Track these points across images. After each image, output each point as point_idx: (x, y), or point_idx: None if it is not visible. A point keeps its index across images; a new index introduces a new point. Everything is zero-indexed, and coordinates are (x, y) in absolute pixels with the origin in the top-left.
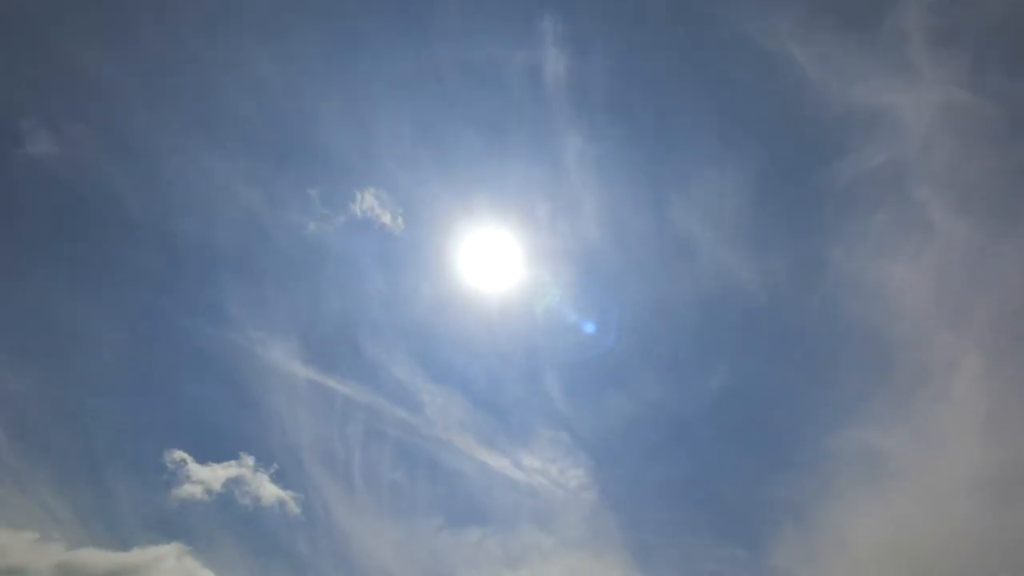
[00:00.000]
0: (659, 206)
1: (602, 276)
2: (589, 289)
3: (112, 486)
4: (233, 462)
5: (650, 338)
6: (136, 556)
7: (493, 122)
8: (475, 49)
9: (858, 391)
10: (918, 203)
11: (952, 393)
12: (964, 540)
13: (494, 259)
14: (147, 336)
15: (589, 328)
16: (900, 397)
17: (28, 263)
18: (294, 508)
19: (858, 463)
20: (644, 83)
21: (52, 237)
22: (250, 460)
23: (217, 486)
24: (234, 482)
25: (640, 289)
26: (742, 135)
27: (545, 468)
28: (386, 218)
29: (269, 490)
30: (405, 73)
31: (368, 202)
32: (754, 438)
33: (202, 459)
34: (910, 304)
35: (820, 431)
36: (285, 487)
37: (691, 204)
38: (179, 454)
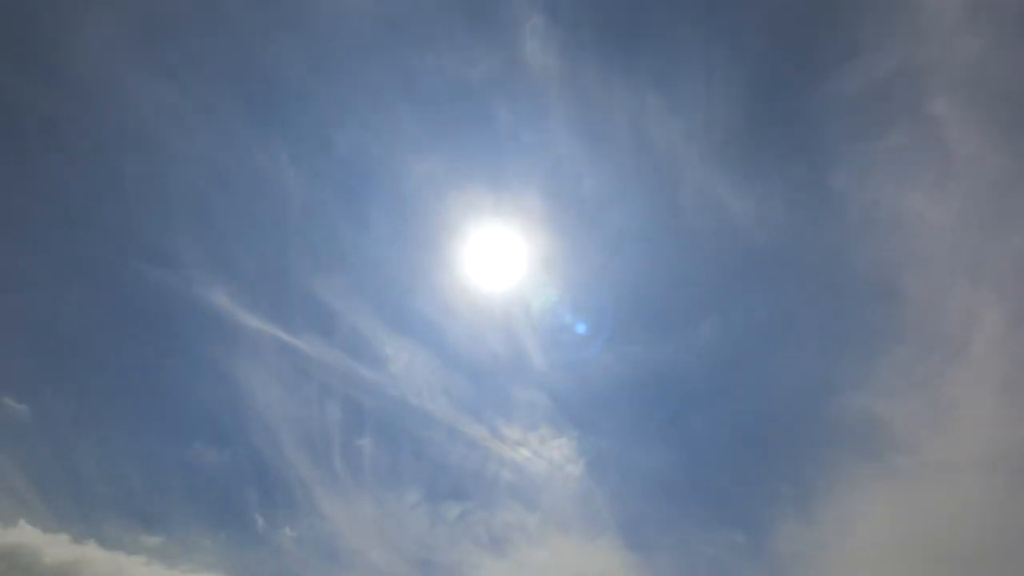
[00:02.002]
0: (635, 122)
1: (572, 207)
2: (561, 228)
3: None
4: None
5: (631, 288)
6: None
7: None
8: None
9: (864, 352)
10: (935, 120)
11: (967, 356)
12: (977, 521)
13: (463, 203)
14: (86, 279)
15: (563, 275)
16: (910, 359)
17: None
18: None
19: (863, 436)
20: None
21: None
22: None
23: None
24: None
25: (615, 228)
26: (730, 39)
27: (525, 438)
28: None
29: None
30: None
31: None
32: (750, 408)
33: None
34: (924, 247)
35: (822, 399)
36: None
37: (672, 120)
38: None
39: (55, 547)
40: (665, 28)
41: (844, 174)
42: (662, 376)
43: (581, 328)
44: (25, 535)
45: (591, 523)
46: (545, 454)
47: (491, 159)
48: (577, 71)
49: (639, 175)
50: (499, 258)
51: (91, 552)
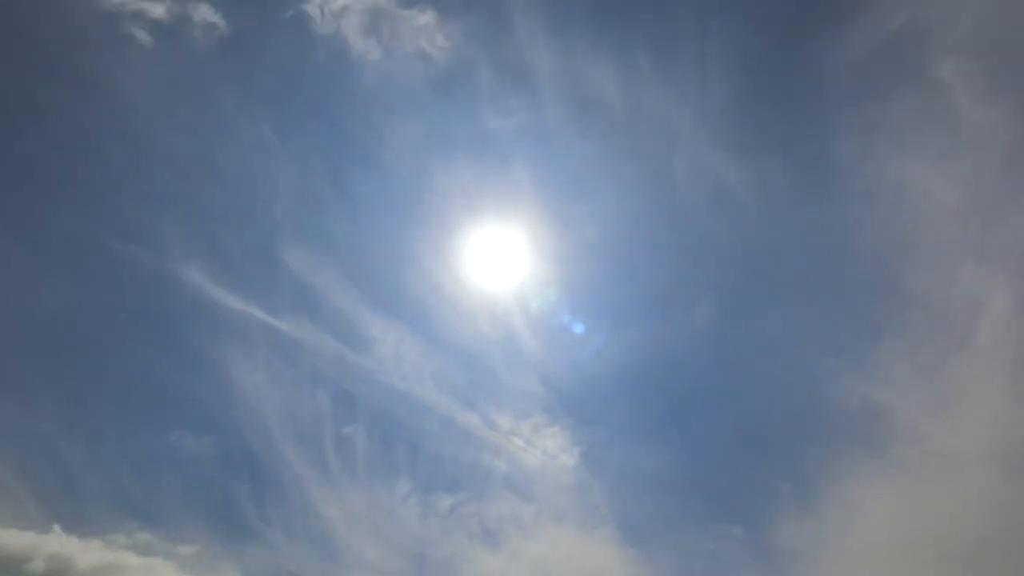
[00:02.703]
0: (625, 87)
1: (561, 182)
2: (551, 206)
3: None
4: None
5: (624, 270)
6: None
7: None
8: None
9: (866, 337)
10: (943, 85)
11: (973, 343)
12: (983, 516)
13: (450, 181)
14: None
15: (555, 257)
16: (913, 346)
17: None
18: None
19: (865, 427)
20: None
21: None
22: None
23: None
24: None
25: (606, 205)
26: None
27: (517, 427)
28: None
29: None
30: None
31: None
32: (748, 397)
33: None
34: (930, 224)
35: (822, 388)
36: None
37: (664, 85)
38: None
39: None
40: None
41: (846, 144)
42: (657, 362)
43: (573, 311)
44: None
45: (587, 516)
46: (538, 443)
47: (475, 129)
48: (563, 30)
49: (630, 146)
50: (487, 238)
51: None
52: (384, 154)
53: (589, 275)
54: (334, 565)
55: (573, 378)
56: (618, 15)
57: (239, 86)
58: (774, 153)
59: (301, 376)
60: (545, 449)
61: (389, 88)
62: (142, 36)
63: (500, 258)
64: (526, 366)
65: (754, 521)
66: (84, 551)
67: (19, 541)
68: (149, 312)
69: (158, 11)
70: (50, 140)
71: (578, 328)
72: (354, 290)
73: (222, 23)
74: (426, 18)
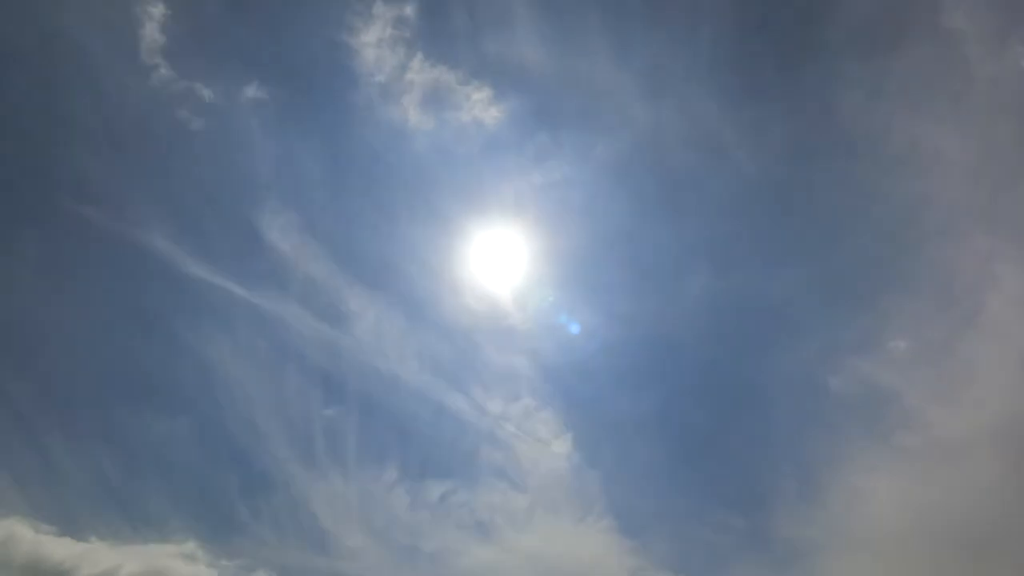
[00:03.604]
0: (612, 32)
1: (546, 142)
2: (537, 169)
3: None
4: None
5: (614, 237)
6: None
7: None
8: None
9: (869, 314)
10: (954, 35)
11: (983, 318)
12: (992, 502)
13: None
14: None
15: (541, 224)
16: (919, 322)
17: None
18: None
19: (869, 410)
20: None
21: None
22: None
23: None
24: None
25: (593, 167)
26: None
27: (507, 410)
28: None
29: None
30: None
31: None
32: (747, 379)
33: None
34: (936, 187)
35: (823, 368)
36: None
37: (655, 36)
38: None
39: None
40: None
41: (850, 99)
42: (651, 341)
43: (562, 285)
44: None
45: (581, 505)
46: (529, 428)
47: (457, 71)
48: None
49: (617, 98)
50: (472, 208)
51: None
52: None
53: (578, 246)
54: (318, 556)
55: (563, 357)
56: None
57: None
58: (773, 107)
59: (276, 353)
60: (537, 435)
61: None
62: None
63: (485, 231)
64: (514, 344)
65: (755, 510)
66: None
67: None
68: (110, 279)
69: None
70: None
71: (567, 303)
72: (330, 260)
73: None
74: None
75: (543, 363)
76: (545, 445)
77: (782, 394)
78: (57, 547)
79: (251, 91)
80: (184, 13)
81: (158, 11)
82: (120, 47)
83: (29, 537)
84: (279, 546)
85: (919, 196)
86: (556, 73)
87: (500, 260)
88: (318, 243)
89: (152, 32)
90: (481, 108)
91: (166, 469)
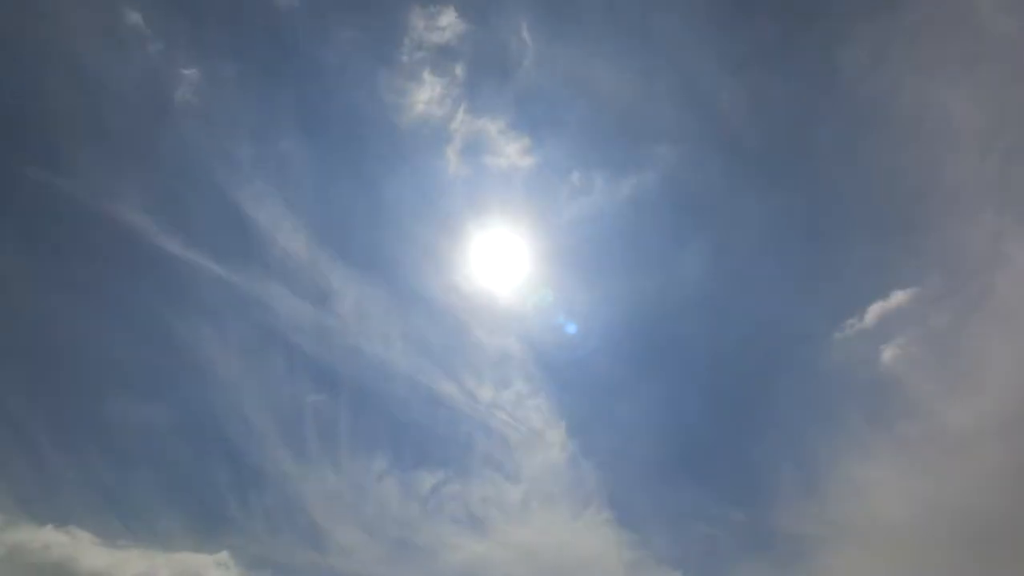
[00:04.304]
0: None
1: (535, 106)
2: (527, 132)
3: None
4: None
5: (607, 206)
6: None
7: None
8: None
9: (870, 295)
10: None
11: (991, 301)
12: (1000, 494)
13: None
14: None
15: (529, 190)
16: (924, 306)
17: None
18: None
19: (872, 399)
20: None
21: None
22: None
23: None
24: None
25: (584, 133)
26: None
27: (498, 397)
28: None
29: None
30: None
31: None
32: (747, 368)
33: None
34: (946, 156)
35: (824, 354)
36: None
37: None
38: None
39: None
40: None
41: (854, 57)
42: (647, 324)
43: (551, 264)
44: None
45: (577, 496)
46: (521, 416)
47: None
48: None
49: (612, 62)
50: (456, 174)
51: None
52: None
53: (570, 220)
54: (309, 551)
55: (555, 341)
56: None
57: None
58: (772, 66)
59: (258, 335)
60: (530, 424)
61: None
62: None
63: (471, 204)
64: (504, 326)
65: (755, 502)
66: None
67: None
68: (80, 254)
69: None
70: None
71: (558, 283)
72: (309, 233)
73: None
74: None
75: (534, 347)
76: (538, 434)
77: (783, 382)
78: (91, 553)
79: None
80: None
81: None
82: (99, 20)
83: (63, 542)
84: (267, 541)
85: (926, 168)
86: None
87: (487, 239)
88: (300, 221)
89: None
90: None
91: (144, 462)
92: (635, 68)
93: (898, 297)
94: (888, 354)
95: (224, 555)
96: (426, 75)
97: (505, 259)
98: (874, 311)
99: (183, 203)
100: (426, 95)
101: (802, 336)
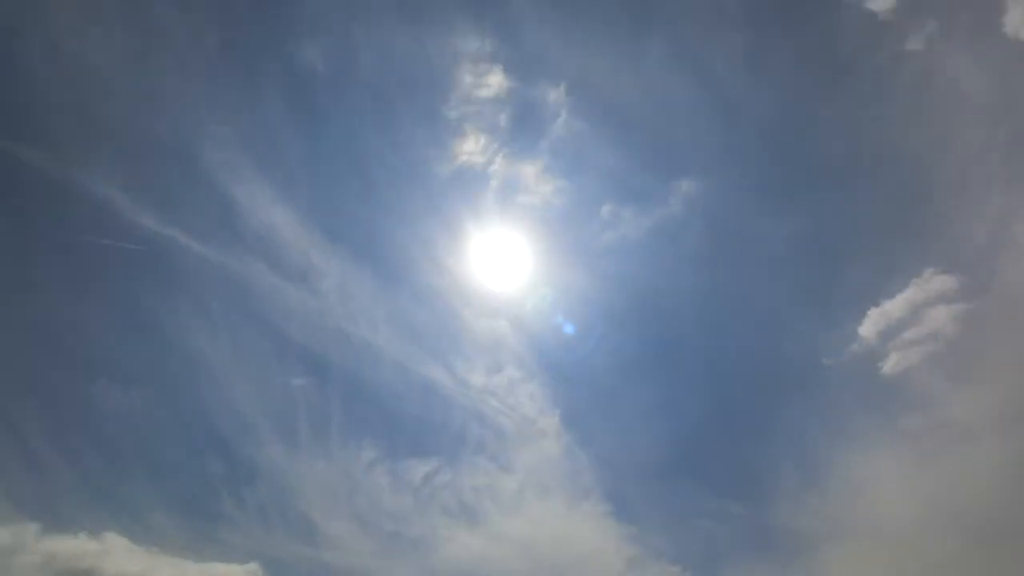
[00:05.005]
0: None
1: (525, 72)
2: (517, 101)
3: None
4: None
5: (601, 187)
6: None
7: None
8: None
9: (871, 279)
10: None
11: (996, 287)
12: (1004, 489)
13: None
14: None
15: (516, 159)
16: (927, 293)
17: None
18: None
19: (871, 390)
20: None
21: None
22: None
23: None
24: None
25: (584, 108)
26: None
27: (489, 383)
28: None
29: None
30: None
31: None
32: (744, 354)
33: None
34: (951, 132)
35: (825, 345)
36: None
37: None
38: None
39: None
40: None
41: (858, 21)
42: (643, 308)
43: (541, 239)
44: None
45: (573, 488)
46: (514, 403)
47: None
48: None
49: (603, 29)
50: (440, 141)
51: None
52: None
53: (565, 198)
54: (299, 544)
55: (547, 325)
56: None
57: None
58: (771, 31)
59: (232, 313)
60: (523, 411)
61: None
62: None
63: (457, 177)
64: (493, 308)
65: (756, 497)
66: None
67: None
68: (45, 226)
69: None
70: None
71: (548, 264)
72: (290, 209)
73: None
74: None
75: (525, 331)
76: (532, 422)
77: (784, 375)
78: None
79: None
80: None
81: None
82: None
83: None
84: (239, 524)
85: (930, 142)
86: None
87: (477, 214)
88: (282, 196)
89: None
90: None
91: (129, 451)
92: (661, 114)
93: (899, 284)
94: (890, 347)
95: (254, 566)
96: (468, 127)
97: (494, 242)
98: (876, 304)
99: (157, 175)
100: (468, 147)
101: (804, 329)
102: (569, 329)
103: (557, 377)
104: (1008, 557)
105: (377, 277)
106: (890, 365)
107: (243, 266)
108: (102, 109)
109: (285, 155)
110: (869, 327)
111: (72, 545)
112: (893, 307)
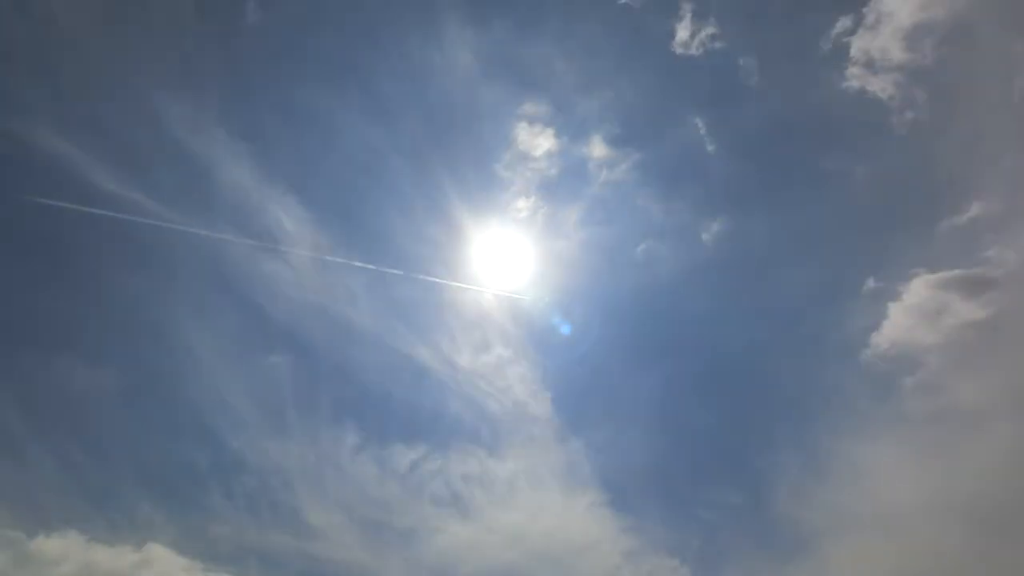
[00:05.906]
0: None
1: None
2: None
3: None
4: None
5: (599, 170)
6: None
7: None
8: None
9: (873, 263)
10: None
11: (1004, 267)
12: (1011, 475)
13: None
14: None
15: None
16: (930, 276)
17: None
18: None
19: (875, 376)
20: None
21: None
22: None
23: None
24: None
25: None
26: None
27: (476, 362)
28: None
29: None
30: None
31: None
32: (745, 338)
33: None
34: (955, 113)
35: (827, 328)
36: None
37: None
38: None
39: None
40: None
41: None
42: (638, 291)
43: (530, 206)
44: None
45: (567, 476)
46: (503, 385)
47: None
48: None
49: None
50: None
51: None
52: None
53: (561, 176)
54: (281, 534)
55: (536, 294)
56: None
57: None
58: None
59: (201, 282)
60: (513, 395)
61: None
62: None
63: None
64: (480, 284)
65: (757, 488)
66: None
67: None
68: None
69: None
70: None
71: (538, 245)
72: (263, 176)
73: None
74: None
75: (513, 307)
76: (523, 407)
77: (786, 362)
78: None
79: None
80: None
81: None
82: None
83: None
84: (218, 512)
85: (933, 122)
86: None
87: (461, 178)
88: (250, 156)
89: None
90: None
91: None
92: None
93: (902, 269)
94: (894, 333)
95: None
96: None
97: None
98: (879, 290)
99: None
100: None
101: (806, 315)
102: (562, 313)
103: (548, 359)
104: (1016, 547)
105: (356, 250)
106: (894, 352)
107: (214, 232)
108: (58, 60)
109: (262, 120)
110: (873, 316)
111: None
112: (898, 296)
